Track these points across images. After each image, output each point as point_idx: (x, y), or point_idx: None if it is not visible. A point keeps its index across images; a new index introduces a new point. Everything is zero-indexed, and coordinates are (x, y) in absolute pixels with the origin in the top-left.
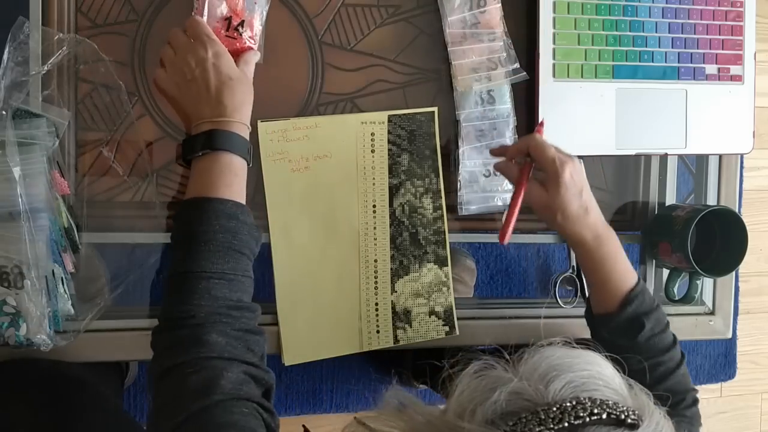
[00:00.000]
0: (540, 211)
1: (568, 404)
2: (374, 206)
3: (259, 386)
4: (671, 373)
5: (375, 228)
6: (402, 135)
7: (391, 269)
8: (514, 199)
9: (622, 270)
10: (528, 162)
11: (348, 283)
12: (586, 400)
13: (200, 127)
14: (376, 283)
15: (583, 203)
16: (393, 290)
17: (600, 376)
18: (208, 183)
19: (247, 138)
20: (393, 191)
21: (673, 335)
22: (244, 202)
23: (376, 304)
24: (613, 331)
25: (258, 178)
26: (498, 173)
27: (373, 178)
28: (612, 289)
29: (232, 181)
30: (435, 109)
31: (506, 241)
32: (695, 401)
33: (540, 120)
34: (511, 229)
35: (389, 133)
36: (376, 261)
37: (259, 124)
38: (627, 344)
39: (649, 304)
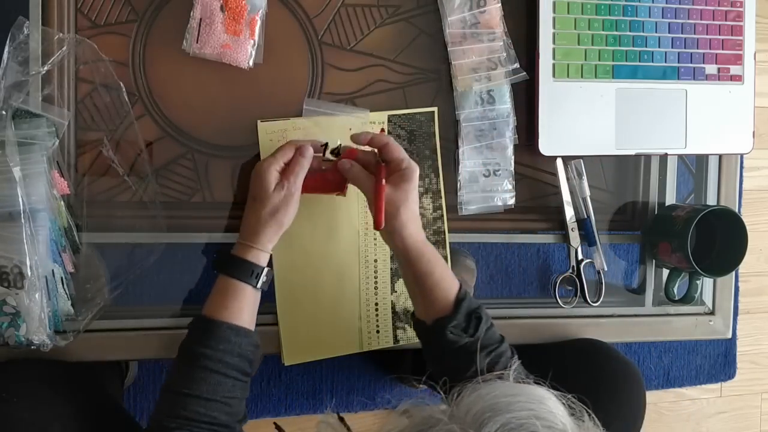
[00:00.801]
0: (381, 215)
1: None
2: None
3: None
4: (512, 356)
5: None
6: (402, 135)
7: (391, 269)
8: (376, 194)
9: (448, 274)
10: (381, 163)
11: (348, 283)
12: None
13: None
14: (376, 283)
15: (415, 209)
16: (393, 290)
17: (541, 415)
18: (211, 302)
19: (260, 262)
20: None
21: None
22: (244, 321)
23: (376, 304)
24: (456, 329)
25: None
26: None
27: None
28: (444, 291)
29: (228, 303)
30: (435, 109)
31: (382, 225)
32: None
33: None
34: (382, 215)
35: (389, 132)
36: (376, 261)
37: (259, 124)
38: (471, 339)
39: (475, 301)
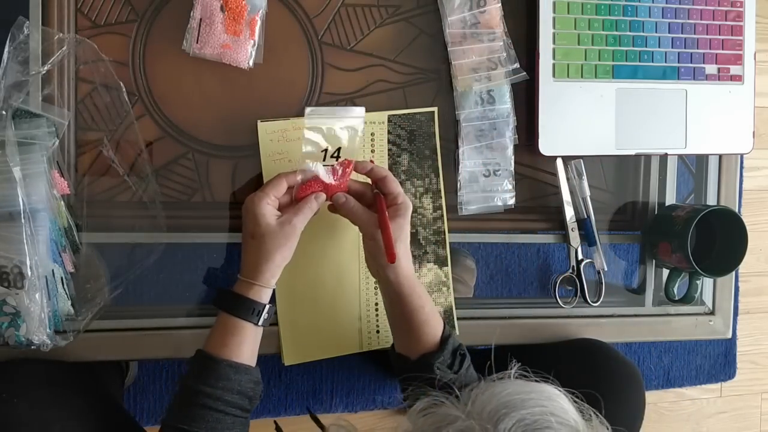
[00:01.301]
0: (369, 244)
1: None
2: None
3: None
4: None
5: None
6: (402, 135)
7: None
8: (382, 227)
9: (434, 311)
10: (380, 194)
11: (347, 283)
12: None
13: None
14: (375, 283)
15: (406, 246)
16: None
17: (554, 411)
18: (211, 339)
19: (261, 299)
20: None
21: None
22: (244, 358)
23: (376, 304)
24: (442, 365)
25: (258, 178)
26: (496, 173)
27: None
28: (432, 327)
29: (228, 340)
30: (435, 109)
31: (395, 258)
32: None
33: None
34: (394, 248)
35: (389, 133)
36: None
37: (259, 124)
38: (455, 376)
39: (458, 339)
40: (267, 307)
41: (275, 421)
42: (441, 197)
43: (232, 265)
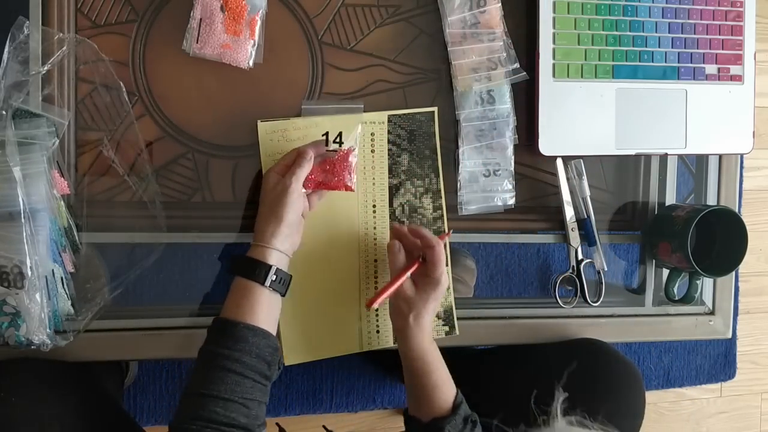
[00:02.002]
0: (399, 303)
1: None
2: (374, 206)
3: None
4: None
5: (375, 228)
6: (402, 135)
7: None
8: (393, 280)
9: (448, 377)
10: (421, 260)
11: (348, 283)
12: None
13: None
14: (376, 283)
15: (431, 317)
16: None
17: None
18: (226, 304)
19: (266, 259)
20: (393, 191)
21: None
22: (260, 322)
23: None
24: (453, 429)
25: (258, 178)
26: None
27: (373, 178)
28: (444, 393)
29: (241, 302)
30: (435, 109)
31: (374, 306)
32: None
33: (448, 231)
34: (381, 299)
35: (389, 132)
36: (376, 261)
37: (259, 123)
38: None
39: (469, 408)
40: (274, 268)
41: (277, 423)
42: (441, 197)
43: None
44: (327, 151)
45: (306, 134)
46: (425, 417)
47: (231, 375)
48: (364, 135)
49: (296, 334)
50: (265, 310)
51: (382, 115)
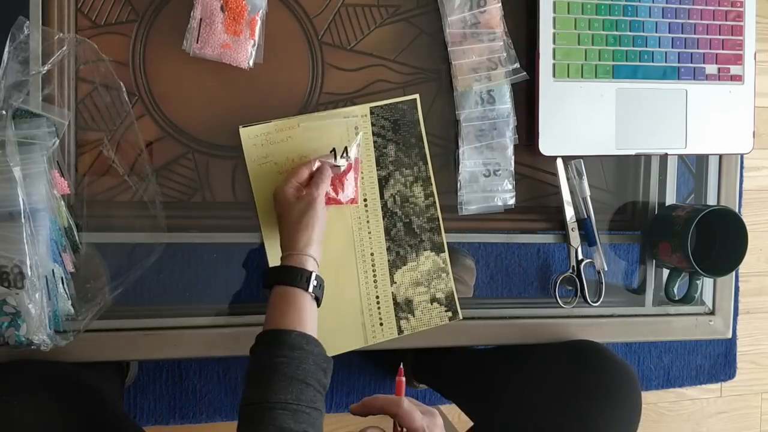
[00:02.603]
0: None
1: None
2: (365, 200)
3: None
4: None
5: (368, 221)
6: (386, 126)
7: (389, 261)
8: None
9: None
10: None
11: (346, 279)
12: None
13: None
14: (374, 276)
15: None
16: (392, 281)
17: None
18: (270, 316)
19: (305, 266)
20: (382, 183)
21: None
22: (308, 330)
23: (377, 297)
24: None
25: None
26: (496, 173)
27: (362, 172)
28: None
29: (287, 310)
30: (416, 96)
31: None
32: None
33: (400, 368)
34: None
35: (372, 125)
36: (372, 254)
37: (241, 129)
38: None
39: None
40: (314, 274)
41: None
42: (431, 184)
43: (232, 265)
44: (334, 166)
45: (290, 136)
46: None
47: (295, 383)
48: (347, 129)
49: None
50: (311, 317)
51: (364, 108)
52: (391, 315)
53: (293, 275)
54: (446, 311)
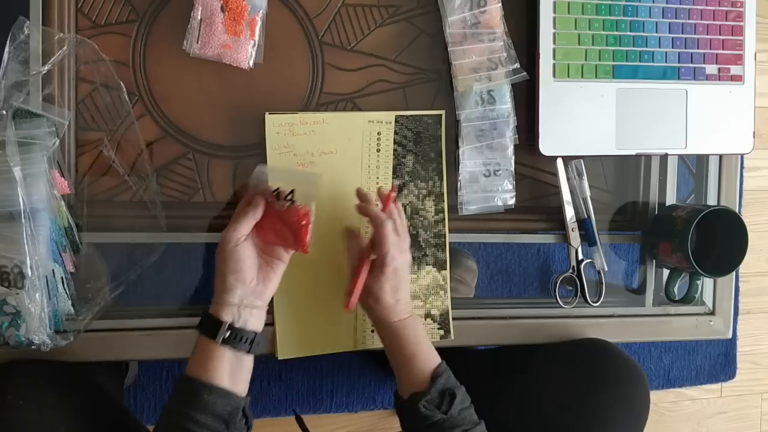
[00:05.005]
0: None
1: None
2: (377, 205)
3: None
4: None
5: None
6: (408, 136)
7: None
8: (356, 273)
9: (426, 350)
10: (368, 257)
11: (342, 280)
12: None
13: None
14: None
15: (396, 296)
16: None
17: None
18: (189, 359)
19: (218, 315)
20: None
21: (482, 422)
22: (219, 382)
23: None
24: (430, 404)
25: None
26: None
27: (377, 177)
28: (419, 367)
29: (197, 359)
30: (443, 112)
31: (351, 308)
32: None
33: (393, 186)
34: (355, 299)
35: (395, 133)
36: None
37: (267, 116)
38: (444, 416)
39: (454, 381)
40: (225, 325)
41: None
42: (443, 201)
43: None
44: (279, 204)
45: (313, 130)
46: (405, 393)
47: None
48: (370, 133)
49: (291, 329)
50: (226, 367)
51: (390, 115)
52: None
53: (205, 324)
54: (439, 329)
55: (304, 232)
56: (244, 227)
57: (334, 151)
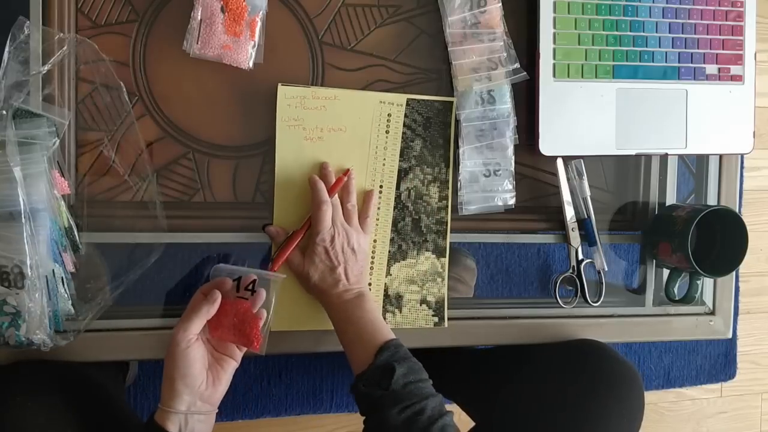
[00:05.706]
0: (293, 271)
1: None
2: (381, 187)
3: None
4: (438, 418)
5: (379, 208)
6: (418, 120)
7: (389, 252)
8: (288, 241)
9: (372, 331)
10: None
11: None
12: None
13: None
14: (372, 263)
15: (335, 276)
16: (388, 273)
17: None
18: None
19: (163, 423)
20: (401, 175)
21: (440, 396)
22: None
23: (370, 284)
24: (368, 382)
25: (260, 177)
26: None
27: (384, 159)
28: (363, 347)
29: None
30: (454, 99)
31: (276, 269)
32: None
33: (347, 171)
34: (278, 265)
35: (406, 116)
36: (375, 241)
37: (279, 87)
38: (385, 392)
39: (403, 355)
40: None
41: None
42: (448, 188)
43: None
44: (236, 297)
45: (324, 104)
46: (355, 373)
47: None
48: (381, 114)
49: (283, 302)
50: None
51: (402, 98)
52: (379, 305)
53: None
54: (433, 315)
55: (257, 329)
56: (196, 325)
57: (343, 128)
